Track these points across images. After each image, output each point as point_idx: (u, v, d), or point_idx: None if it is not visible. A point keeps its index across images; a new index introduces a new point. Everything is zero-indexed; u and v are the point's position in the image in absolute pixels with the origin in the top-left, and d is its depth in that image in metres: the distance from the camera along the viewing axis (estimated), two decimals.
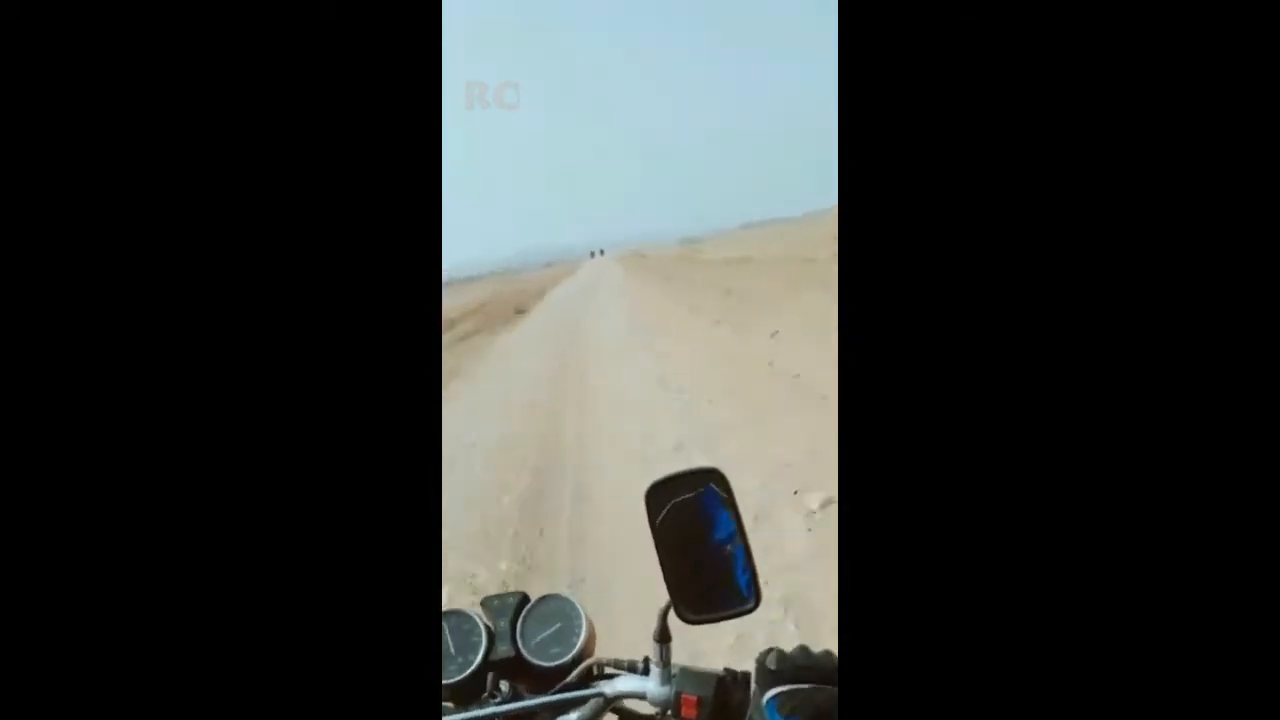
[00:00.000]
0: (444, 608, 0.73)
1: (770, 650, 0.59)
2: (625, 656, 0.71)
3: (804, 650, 0.58)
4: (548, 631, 0.73)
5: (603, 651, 0.74)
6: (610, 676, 0.70)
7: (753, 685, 0.59)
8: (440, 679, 0.70)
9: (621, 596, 2.51)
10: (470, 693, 0.71)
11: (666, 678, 0.66)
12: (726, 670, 0.65)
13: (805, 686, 0.56)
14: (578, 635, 0.72)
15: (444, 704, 0.71)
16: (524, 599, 0.75)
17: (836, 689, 0.55)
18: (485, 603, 0.77)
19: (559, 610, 0.74)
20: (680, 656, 0.67)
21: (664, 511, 0.63)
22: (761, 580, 0.64)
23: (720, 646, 2.03)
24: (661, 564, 0.64)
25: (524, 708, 0.68)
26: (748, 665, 0.62)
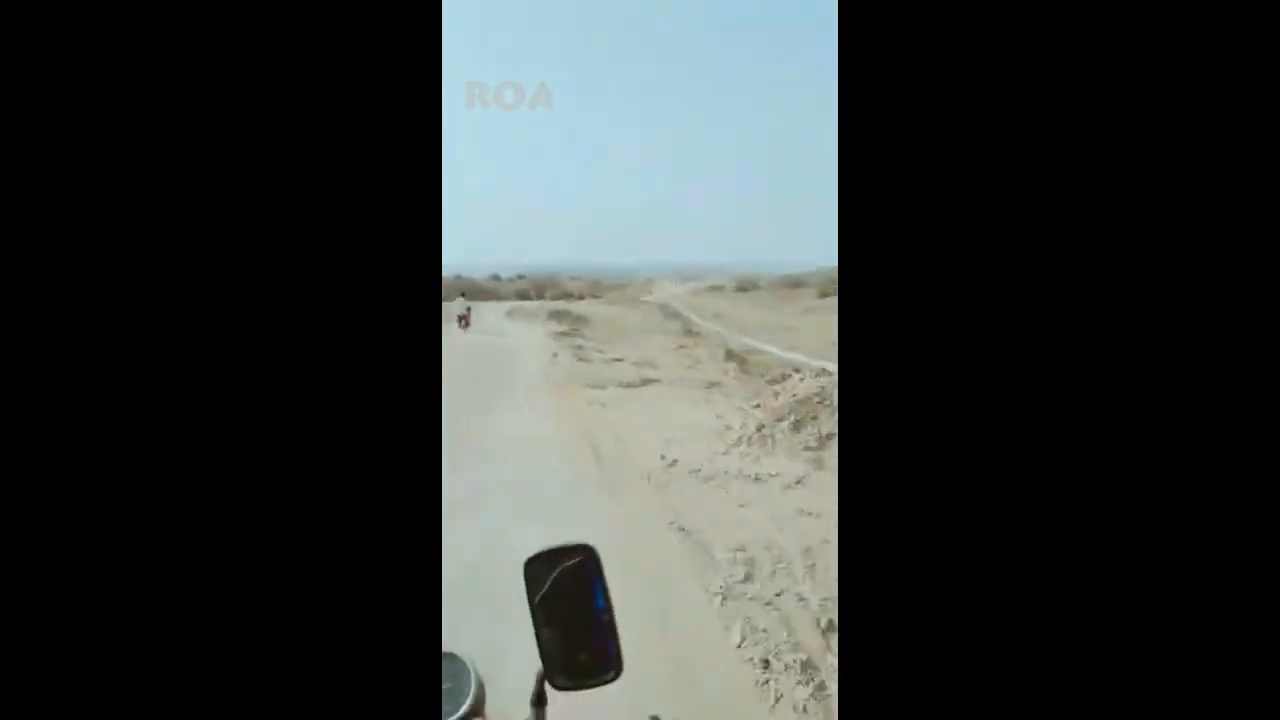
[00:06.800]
0: None
1: None
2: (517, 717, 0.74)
3: None
4: None
5: (497, 704, 0.76)
6: None
7: None
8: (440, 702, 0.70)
9: None
10: None
11: None
12: None
13: None
14: (465, 695, 0.73)
15: None
16: None
17: None
18: None
19: (448, 670, 0.75)
20: None
21: (551, 577, 0.68)
22: None
23: None
24: (538, 632, 0.68)
25: None
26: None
